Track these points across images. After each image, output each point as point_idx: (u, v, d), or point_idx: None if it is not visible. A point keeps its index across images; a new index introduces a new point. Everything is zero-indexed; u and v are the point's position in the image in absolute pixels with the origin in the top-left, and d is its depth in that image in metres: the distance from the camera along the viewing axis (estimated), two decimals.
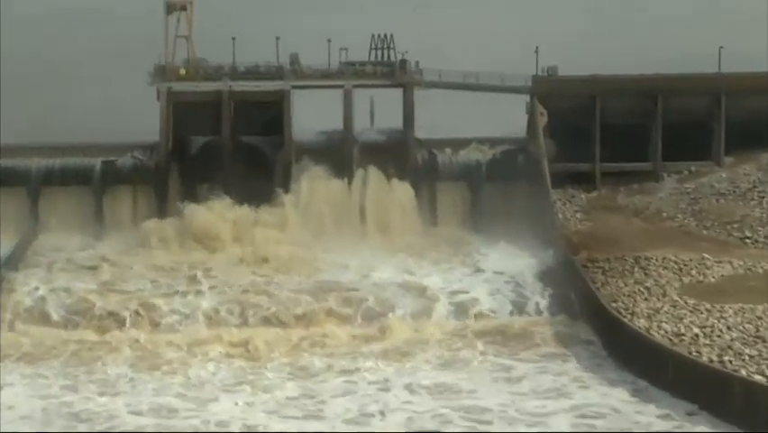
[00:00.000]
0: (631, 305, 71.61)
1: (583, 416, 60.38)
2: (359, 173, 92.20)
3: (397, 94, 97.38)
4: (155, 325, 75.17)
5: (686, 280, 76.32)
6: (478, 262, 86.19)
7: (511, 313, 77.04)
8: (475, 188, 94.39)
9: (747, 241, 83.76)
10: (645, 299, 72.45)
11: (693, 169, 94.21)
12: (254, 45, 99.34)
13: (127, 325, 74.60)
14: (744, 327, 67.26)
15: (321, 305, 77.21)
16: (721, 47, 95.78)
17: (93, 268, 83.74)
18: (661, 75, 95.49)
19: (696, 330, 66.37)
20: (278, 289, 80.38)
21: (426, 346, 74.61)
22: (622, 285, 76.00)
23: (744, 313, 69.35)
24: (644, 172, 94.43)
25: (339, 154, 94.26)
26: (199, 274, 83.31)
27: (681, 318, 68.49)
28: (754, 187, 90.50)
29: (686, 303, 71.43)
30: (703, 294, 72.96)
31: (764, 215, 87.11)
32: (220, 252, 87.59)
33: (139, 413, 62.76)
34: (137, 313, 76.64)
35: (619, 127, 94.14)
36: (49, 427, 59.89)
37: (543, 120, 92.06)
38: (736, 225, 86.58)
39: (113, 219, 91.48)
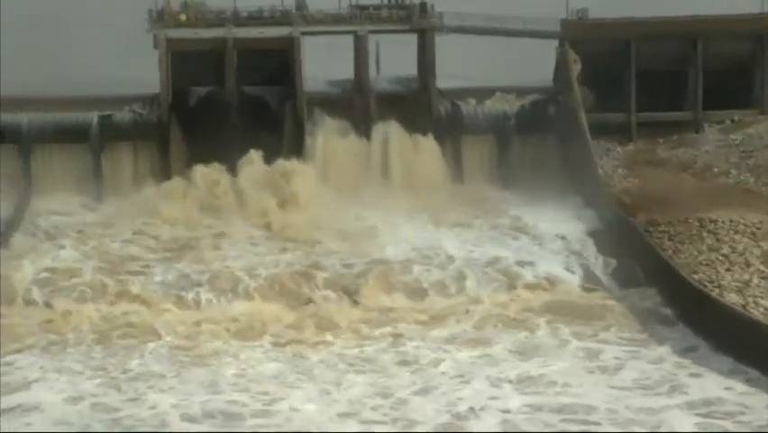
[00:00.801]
0: (714, 277, 67.10)
1: (709, 415, 55.30)
2: (378, 127, 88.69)
3: (403, 38, 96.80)
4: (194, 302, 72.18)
5: (765, 246, 71.75)
6: (519, 224, 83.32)
7: (568, 285, 73.60)
8: (503, 142, 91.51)
9: None
10: (728, 270, 67.89)
11: (736, 118, 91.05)
12: None
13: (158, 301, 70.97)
14: None
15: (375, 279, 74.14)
16: None
17: (103, 235, 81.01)
18: (700, 16, 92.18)
19: None
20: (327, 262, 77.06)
21: (490, 325, 70.84)
22: (696, 253, 71.52)
23: None
24: (683, 122, 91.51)
25: (354, 107, 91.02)
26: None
27: None
28: None
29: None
30: None
31: None
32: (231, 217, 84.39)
33: (192, 419, 56.86)
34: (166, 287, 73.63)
35: (655, 74, 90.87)
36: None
37: (576, 67, 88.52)
38: None
39: (112, 179, 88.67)
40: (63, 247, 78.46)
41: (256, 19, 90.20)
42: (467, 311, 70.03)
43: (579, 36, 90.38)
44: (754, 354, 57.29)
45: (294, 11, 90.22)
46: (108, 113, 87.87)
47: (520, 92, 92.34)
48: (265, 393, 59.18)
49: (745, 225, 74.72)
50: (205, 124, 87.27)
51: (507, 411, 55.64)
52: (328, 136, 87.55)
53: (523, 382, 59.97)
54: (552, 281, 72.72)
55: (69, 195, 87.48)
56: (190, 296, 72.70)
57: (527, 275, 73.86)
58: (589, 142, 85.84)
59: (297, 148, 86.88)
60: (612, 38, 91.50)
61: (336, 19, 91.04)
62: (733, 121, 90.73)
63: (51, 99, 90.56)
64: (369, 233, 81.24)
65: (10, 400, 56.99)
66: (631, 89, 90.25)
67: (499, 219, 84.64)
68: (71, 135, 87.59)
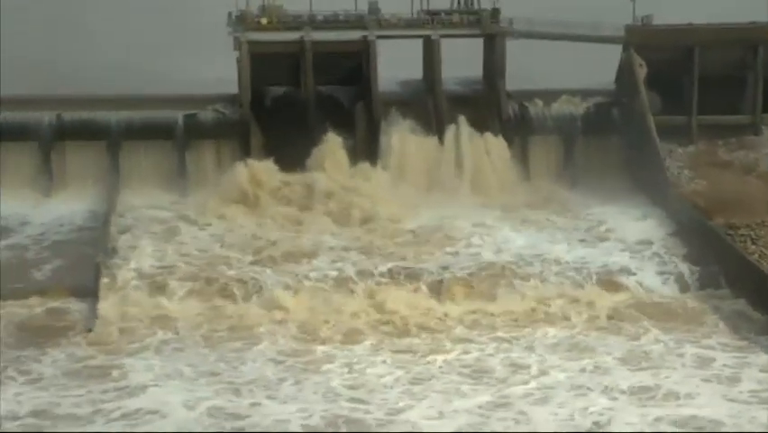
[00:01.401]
0: None
1: None
2: (450, 128, 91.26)
3: (462, 41, 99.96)
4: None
5: None
6: (597, 225, 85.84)
7: (657, 288, 75.37)
8: (569, 143, 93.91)
9: None
10: None
11: None
12: None
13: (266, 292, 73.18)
14: None
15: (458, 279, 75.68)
16: None
17: (201, 227, 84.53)
18: (760, 23, 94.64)
19: None
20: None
21: (592, 329, 71.74)
22: None
23: None
24: (742, 125, 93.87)
25: (426, 107, 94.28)
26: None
27: None
28: None
29: None
30: None
31: None
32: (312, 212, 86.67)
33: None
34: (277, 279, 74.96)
35: (716, 78, 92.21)
36: None
37: (642, 72, 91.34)
38: None
39: (196, 175, 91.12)
40: (157, 243, 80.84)
41: (331, 23, 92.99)
42: (566, 317, 72.11)
43: (643, 42, 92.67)
44: None
45: (367, 15, 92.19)
46: (193, 112, 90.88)
47: (585, 94, 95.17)
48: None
49: None
50: (282, 123, 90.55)
51: (631, 424, 55.98)
52: (403, 135, 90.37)
53: (637, 393, 60.12)
54: (642, 284, 74.95)
55: (156, 190, 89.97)
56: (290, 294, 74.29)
57: (615, 278, 75.70)
58: (657, 144, 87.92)
59: (371, 146, 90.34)
60: (675, 44, 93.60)
61: (409, 23, 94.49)
62: None
63: (137, 97, 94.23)
64: (452, 234, 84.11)
65: (130, 404, 58.65)
66: (693, 93, 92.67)
67: (577, 221, 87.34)
68: (158, 133, 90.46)
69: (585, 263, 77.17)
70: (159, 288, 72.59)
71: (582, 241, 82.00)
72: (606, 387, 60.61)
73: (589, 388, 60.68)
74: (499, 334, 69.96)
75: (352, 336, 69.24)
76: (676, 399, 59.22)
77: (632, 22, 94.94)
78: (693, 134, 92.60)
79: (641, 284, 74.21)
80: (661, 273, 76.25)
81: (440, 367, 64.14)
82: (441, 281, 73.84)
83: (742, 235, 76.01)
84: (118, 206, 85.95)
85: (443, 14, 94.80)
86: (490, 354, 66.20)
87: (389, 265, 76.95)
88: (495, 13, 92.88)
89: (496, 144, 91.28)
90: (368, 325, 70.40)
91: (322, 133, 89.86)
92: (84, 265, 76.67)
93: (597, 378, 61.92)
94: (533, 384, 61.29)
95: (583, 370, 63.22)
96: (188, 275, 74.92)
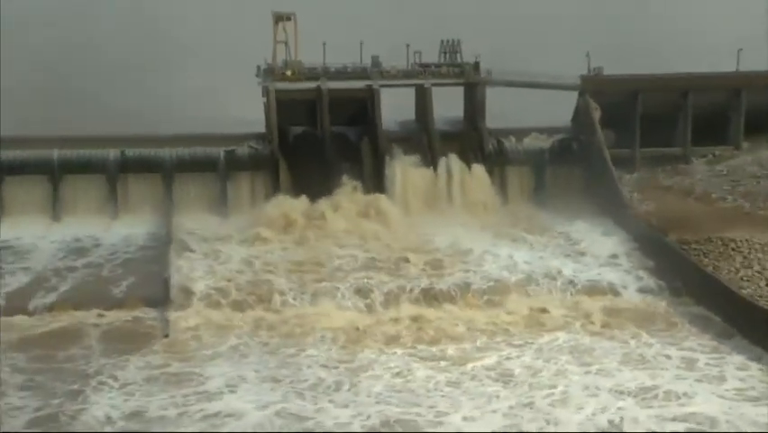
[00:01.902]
0: (762, 292, 69.49)
1: None
2: (442, 160, 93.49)
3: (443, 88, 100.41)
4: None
5: None
6: (569, 241, 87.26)
7: (629, 295, 76.32)
8: (539, 172, 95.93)
9: None
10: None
11: (717, 153, 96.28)
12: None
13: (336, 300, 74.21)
14: None
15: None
16: (740, 49, 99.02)
17: (246, 247, 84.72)
18: (689, 74, 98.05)
19: None
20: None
21: (584, 333, 71.41)
22: (732, 270, 73.06)
23: None
24: (676, 156, 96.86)
25: (421, 143, 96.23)
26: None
27: None
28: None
29: None
30: None
31: None
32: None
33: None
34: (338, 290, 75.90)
35: (654, 117, 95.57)
36: None
37: (597, 113, 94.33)
38: None
39: (235, 201, 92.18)
40: (211, 260, 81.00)
41: (342, 74, 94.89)
42: (567, 323, 71.94)
43: (596, 88, 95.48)
44: None
45: (371, 68, 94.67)
46: (231, 148, 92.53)
47: (550, 132, 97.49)
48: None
49: (761, 244, 76.62)
50: (303, 156, 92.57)
51: (640, 423, 55.31)
52: (404, 167, 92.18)
53: (641, 394, 59.27)
54: (620, 293, 76.22)
55: (203, 214, 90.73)
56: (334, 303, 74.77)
57: (599, 287, 77.03)
58: (613, 172, 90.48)
59: (376, 176, 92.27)
60: (621, 90, 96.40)
61: (406, 74, 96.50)
62: (714, 155, 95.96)
63: (183, 136, 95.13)
64: (454, 252, 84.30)
65: (210, 408, 57.79)
66: (636, 129, 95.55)
67: (549, 236, 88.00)
68: (203, 166, 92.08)
69: (575, 276, 78.27)
70: (218, 300, 73.20)
71: (568, 256, 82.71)
72: (612, 389, 60.19)
73: (597, 388, 60.32)
74: (515, 341, 69.50)
75: (390, 344, 68.61)
76: (677, 398, 59.09)
77: (587, 72, 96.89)
78: (637, 163, 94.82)
79: (620, 293, 75.57)
80: (632, 283, 77.34)
81: (471, 371, 63.25)
82: (460, 294, 74.79)
83: (694, 249, 77.05)
84: (174, 228, 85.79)
85: (433, 67, 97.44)
86: (510, 359, 65.72)
87: (415, 280, 77.46)
88: (476, 66, 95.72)
89: (480, 174, 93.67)
90: (403, 333, 70.06)
91: (334, 168, 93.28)
92: (152, 279, 76.67)
93: (603, 380, 61.66)
94: (551, 386, 60.77)
95: (589, 372, 62.92)
96: (241, 288, 75.20)
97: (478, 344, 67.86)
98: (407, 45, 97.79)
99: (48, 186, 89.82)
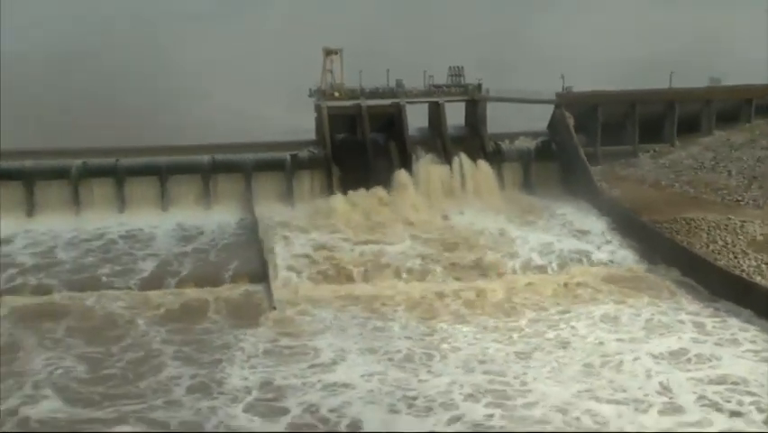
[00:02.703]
0: (736, 263, 67.37)
1: None
2: (455, 159, 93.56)
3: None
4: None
5: (742, 238, 71.97)
6: (566, 222, 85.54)
7: (623, 265, 74.57)
8: (527, 166, 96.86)
9: (742, 203, 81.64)
10: (735, 257, 68.33)
11: (657, 149, 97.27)
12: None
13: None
14: None
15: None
16: (672, 72, 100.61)
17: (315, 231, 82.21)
18: (636, 90, 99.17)
19: None
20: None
21: (600, 297, 68.17)
22: (701, 245, 71.46)
23: None
24: (627, 152, 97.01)
25: (437, 146, 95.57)
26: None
27: None
28: (717, 162, 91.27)
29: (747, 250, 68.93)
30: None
31: (738, 183, 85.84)
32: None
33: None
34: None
35: (610, 123, 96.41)
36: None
37: (571, 121, 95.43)
38: (724, 192, 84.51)
39: (299, 194, 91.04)
40: (293, 242, 78.83)
41: (375, 93, 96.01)
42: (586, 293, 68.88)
43: (568, 102, 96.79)
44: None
45: (396, 89, 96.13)
46: (294, 152, 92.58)
47: (534, 135, 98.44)
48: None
49: (715, 222, 75.24)
50: (347, 157, 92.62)
51: (683, 386, 51.67)
52: (426, 165, 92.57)
53: (675, 357, 55.83)
54: (612, 263, 74.89)
55: (274, 204, 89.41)
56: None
57: (596, 258, 75.59)
58: (588, 167, 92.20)
59: (404, 168, 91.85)
60: (586, 103, 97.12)
61: (424, 93, 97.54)
62: (655, 151, 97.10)
63: (256, 143, 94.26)
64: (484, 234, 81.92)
65: (326, 378, 53.63)
66: (597, 132, 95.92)
67: (552, 219, 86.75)
68: (274, 166, 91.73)
69: (578, 250, 77.29)
70: (309, 274, 72.05)
71: (566, 234, 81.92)
72: (649, 353, 56.48)
73: (635, 352, 56.68)
74: (552, 313, 65.33)
75: (459, 315, 64.66)
76: (707, 360, 55.38)
77: (561, 90, 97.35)
78: (599, 159, 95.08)
79: (617, 263, 74.90)
80: (619, 254, 76.51)
81: (535, 342, 59.36)
82: (502, 270, 73.43)
83: (666, 228, 76.28)
84: (257, 216, 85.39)
85: (444, 87, 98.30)
86: (562, 329, 61.51)
87: (460, 257, 75.88)
88: (479, 87, 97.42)
89: (485, 169, 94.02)
90: (462, 305, 66.79)
91: (370, 167, 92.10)
92: (251, 260, 75.36)
93: (636, 345, 57.96)
94: (604, 355, 56.77)
95: (621, 340, 59.17)
96: (325, 265, 73.82)
97: (528, 316, 64.42)
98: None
99: (157, 184, 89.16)
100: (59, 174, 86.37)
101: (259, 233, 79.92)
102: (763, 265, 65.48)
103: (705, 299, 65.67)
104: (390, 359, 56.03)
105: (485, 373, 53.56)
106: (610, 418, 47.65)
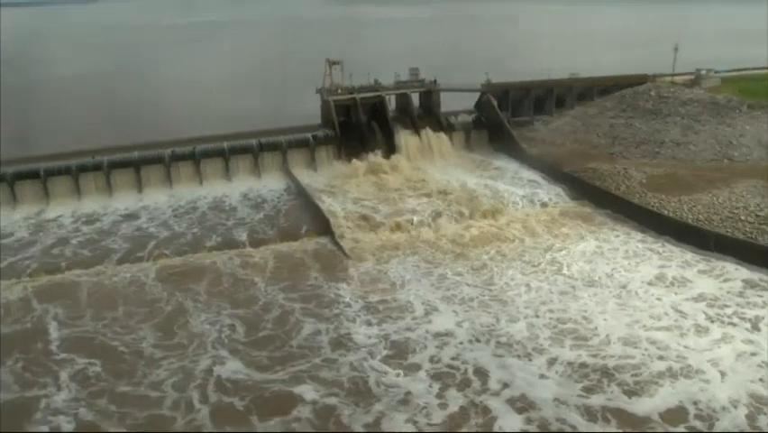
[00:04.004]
0: (646, 201, 63.40)
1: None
2: (423, 132, 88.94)
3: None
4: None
5: (632, 182, 67.51)
6: (511, 173, 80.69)
7: (560, 204, 69.28)
8: (468, 134, 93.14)
9: (614, 155, 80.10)
10: (642, 197, 64.36)
11: (544, 119, 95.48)
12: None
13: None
14: (720, 202, 60.75)
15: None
16: (550, 69, 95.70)
17: (345, 191, 74.76)
18: (530, 81, 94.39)
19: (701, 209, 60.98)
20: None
21: (556, 228, 62.74)
22: (612, 188, 67.57)
23: (710, 195, 62.75)
24: (526, 121, 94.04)
25: (408, 123, 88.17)
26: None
27: (690, 205, 61.22)
28: (586, 128, 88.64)
29: (667, 198, 63.37)
30: (664, 189, 64.83)
31: (606, 141, 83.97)
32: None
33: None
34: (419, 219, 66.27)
35: (516, 101, 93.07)
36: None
37: (495, 102, 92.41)
38: (600, 148, 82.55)
39: (318, 163, 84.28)
40: (334, 200, 69.97)
41: (365, 88, 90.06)
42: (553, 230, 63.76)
43: (490, 90, 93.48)
44: (692, 239, 58.31)
45: (378, 84, 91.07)
46: (315, 133, 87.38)
47: (469, 112, 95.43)
48: None
49: (613, 170, 71.33)
50: (348, 135, 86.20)
51: (663, 304, 47.02)
52: (404, 137, 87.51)
53: (657, 283, 50.28)
54: (558, 204, 69.50)
55: (304, 171, 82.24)
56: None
57: (542, 200, 70.06)
58: (512, 133, 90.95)
59: (388, 143, 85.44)
60: (501, 90, 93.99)
61: (396, 87, 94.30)
62: (543, 120, 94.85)
63: (292, 128, 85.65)
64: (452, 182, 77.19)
65: (431, 328, 44.16)
66: (509, 108, 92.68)
67: (498, 171, 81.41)
68: (302, 144, 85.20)
69: (531, 195, 70.72)
70: (363, 225, 64.14)
71: (516, 183, 75.69)
72: (642, 281, 50.22)
73: (627, 280, 50.48)
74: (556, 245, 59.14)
75: (496, 256, 56.20)
76: (685, 282, 50.09)
77: (485, 81, 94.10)
78: (510, 126, 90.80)
79: (559, 203, 69.07)
80: (561, 197, 70.26)
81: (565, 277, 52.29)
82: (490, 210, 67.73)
83: (583, 175, 72.75)
84: (299, 184, 78.90)
85: (408, 83, 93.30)
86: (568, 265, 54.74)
87: (455, 205, 68.46)
88: (434, 82, 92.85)
89: (442, 138, 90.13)
90: (488, 246, 59.25)
91: (363, 141, 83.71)
92: (310, 217, 66.09)
93: (632, 275, 51.54)
94: (620, 286, 50.08)
95: (617, 269, 52.45)
96: (364, 219, 65.14)
97: (547, 257, 56.84)
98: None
99: (223, 162, 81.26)
100: (157, 160, 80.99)
101: (312, 198, 72.69)
102: (663, 202, 64.20)
103: (641, 230, 61.56)
104: (470, 306, 46.90)
105: (553, 312, 45.73)
106: (669, 343, 42.19)
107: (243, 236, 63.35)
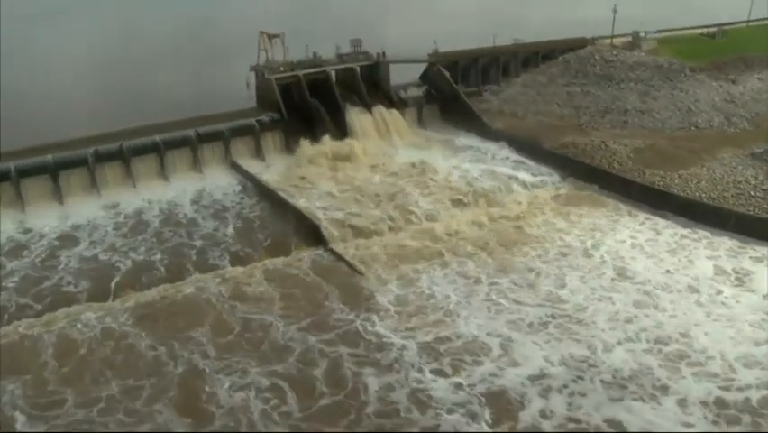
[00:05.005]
0: (632, 174, 60.99)
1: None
2: (375, 109, 78.23)
3: None
4: None
5: (616, 156, 63.57)
6: (475, 151, 72.60)
7: (554, 185, 64.09)
8: (420, 109, 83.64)
9: (583, 127, 73.84)
10: (639, 174, 60.55)
11: (494, 87, 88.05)
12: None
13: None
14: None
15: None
16: (495, 34, 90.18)
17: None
18: (477, 48, 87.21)
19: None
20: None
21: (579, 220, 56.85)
22: (607, 164, 62.94)
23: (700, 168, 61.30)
24: (475, 91, 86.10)
25: (356, 100, 77.90)
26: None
27: (694, 181, 58.57)
28: (542, 97, 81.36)
29: (666, 174, 60.45)
30: (655, 163, 61.80)
31: (569, 112, 77.82)
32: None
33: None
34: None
35: (466, 72, 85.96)
36: None
37: (447, 73, 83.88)
38: (566, 119, 76.23)
39: (267, 151, 72.25)
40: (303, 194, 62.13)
41: (304, 63, 77.84)
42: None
43: (438, 60, 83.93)
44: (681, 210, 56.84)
45: (321, 59, 79.85)
46: (259, 117, 73.68)
47: (418, 85, 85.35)
48: None
49: (592, 144, 66.24)
50: (295, 118, 73.88)
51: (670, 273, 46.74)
52: (354, 115, 76.51)
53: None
54: (541, 185, 63.68)
55: (249, 161, 69.85)
56: None
57: (529, 182, 63.65)
58: (471, 106, 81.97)
59: (339, 123, 74.54)
60: (449, 60, 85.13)
61: (341, 60, 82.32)
62: (491, 90, 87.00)
63: (239, 111, 74.44)
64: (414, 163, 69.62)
65: (515, 373, 37.62)
66: (458, 79, 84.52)
67: (459, 148, 73.77)
68: (245, 131, 72.36)
69: (522, 178, 63.84)
70: (356, 229, 53.94)
71: (499, 164, 67.90)
72: (704, 278, 45.94)
73: (692, 280, 46.00)
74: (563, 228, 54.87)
75: (536, 260, 49.64)
76: (751, 276, 45.35)
77: (432, 51, 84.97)
78: (461, 96, 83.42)
79: (559, 186, 63.14)
80: (552, 176, 64.55)
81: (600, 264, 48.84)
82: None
83: (564, 150, 66.77)
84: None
85: (352, 55, 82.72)
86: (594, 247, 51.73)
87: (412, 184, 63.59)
88: (382, 54, 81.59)
89: (396, 115, 79.25)
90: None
91: (312, 123, 73.54)
92: (289, 225, 54.91)
93: (689, 272, 46.62)
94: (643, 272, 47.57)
95: (673, 267, 47.79)
96: (352, 221, 55.16)
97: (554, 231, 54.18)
98: (337, 46, 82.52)
99: (157, 159, 65.96)
100: (78, 162, 62.06)
101: (283, 198, 60.60)
102: (665, 179, 59.59)
103: (655, 213, 56.27)
104: (547, 334, 39.90)
105: (643, 330, 40.17)
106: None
107: (225, 261, 49.20)
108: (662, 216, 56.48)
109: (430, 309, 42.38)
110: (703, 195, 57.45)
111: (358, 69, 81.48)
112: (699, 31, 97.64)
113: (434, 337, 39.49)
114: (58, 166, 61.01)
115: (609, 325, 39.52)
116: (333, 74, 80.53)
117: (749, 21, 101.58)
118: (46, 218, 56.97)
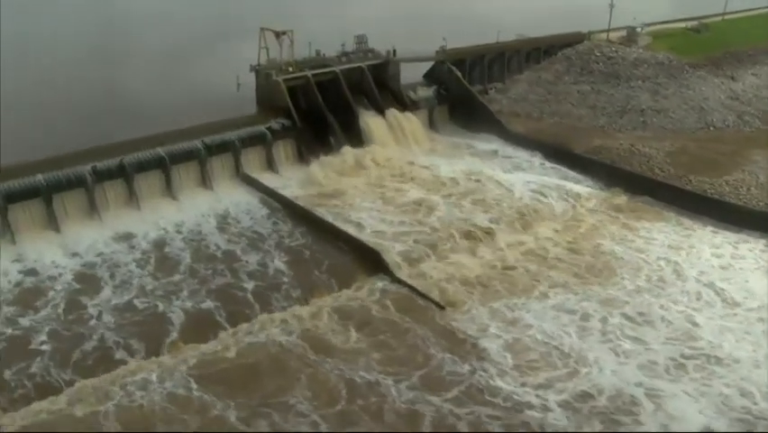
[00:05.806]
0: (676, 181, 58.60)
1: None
2: (388, 112, 71.64)
3: None
4: None
5: (651, 160, 60.87)
6: (506, 158, 67.67)
7: (594, 191, 60.86)
8: (432, 111, 76.83)
9: (608, 128, 70.63)
10: (685, 180, 58.02)
11: (499, 86, 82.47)
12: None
13: None
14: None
15: None
16: (499, 31, 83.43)
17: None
18: (483, 45, 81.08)
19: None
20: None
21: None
22: (648, 169, 59.71)
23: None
24: (480, 90, 78.74)
25: (366, 103, 70.63)
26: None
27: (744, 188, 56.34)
28: (553, 96, 77.97)
29: (711, 180, 57.68)
30: (694, 168, 59.57)
31: (586, 113, 74.35)
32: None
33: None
34: None
35: (474, 70, 79.00)
36: None
37: (457, 72, 77.15)
38: (585, 120, 72.49)
39: (279, 162, 64.27)
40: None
41: (309, 62, 69.70)
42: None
43: (446, 58, 77.08)
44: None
45: (329, 60, 72.10)
46: (269, 125, 64.56)
47: (428, 84, 77.71)
48: None
49: (629, 149, 63.19)
50: (307, 124, 65.61)
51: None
52: (367, 118, 70.08)
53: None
54: (588, 196, 60.06)
55: (262, 173, 61.91)
56: None
57: (573, 190, 60.53)
58: (488, 107, 75.91)
59: (352, 129, 67.51)
60: (457, 58, 78.29)
61: (350, 60, 73.93)
62: (496, 88, 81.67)
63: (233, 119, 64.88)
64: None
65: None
66: (467, 76, 77.21)
67: (485, 154, 68.14)
68: (256, 140, 63.59)
69: (561, 184, 60.43)
70: (421, 253, 48.76)
71: (538, 172, 63.86)
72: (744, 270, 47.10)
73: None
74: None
75: (629, 287, 46.52)
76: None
77: (440, 48, 77.38)
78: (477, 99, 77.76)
79: (608, 196, 59.58)
80: (587, 184, 61.26)
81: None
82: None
83: (595, 158, 63.96)
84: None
85: (359, 54, 74.52)
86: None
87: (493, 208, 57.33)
88: (392, 52, 73.90)
89: (412, 118, 72.78)
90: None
91: (327, 128, 66.36)
92: (341, 253, 49.48)
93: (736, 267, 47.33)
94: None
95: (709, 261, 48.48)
96: (412, 238, 50.73)
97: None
98: (342, 44, 74.30)
99: (161, 175, 56.86)
100: (76, 183, 51.95)
101: (325, 219, 53.92)
102: (715, 186, 56.72)
103: (719, 226, 53.30)
104: (690, 379, 35.76)
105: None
106: None
107: (290, 303, 41.77)
108: (731, 230, 52.55)
109: (550, 356, 37.08)
110: (760, 203, 55.15)
111: (366, 68, 72.50)
112: (683, 25, 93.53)
113: (572, 395, 34.14)
114: (50, 188, 50.75)
115: (752, 363, 35.59)
116: (341, 74, 70.88)
117: (724, 14, 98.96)
118: (46, 252, 47.24)
